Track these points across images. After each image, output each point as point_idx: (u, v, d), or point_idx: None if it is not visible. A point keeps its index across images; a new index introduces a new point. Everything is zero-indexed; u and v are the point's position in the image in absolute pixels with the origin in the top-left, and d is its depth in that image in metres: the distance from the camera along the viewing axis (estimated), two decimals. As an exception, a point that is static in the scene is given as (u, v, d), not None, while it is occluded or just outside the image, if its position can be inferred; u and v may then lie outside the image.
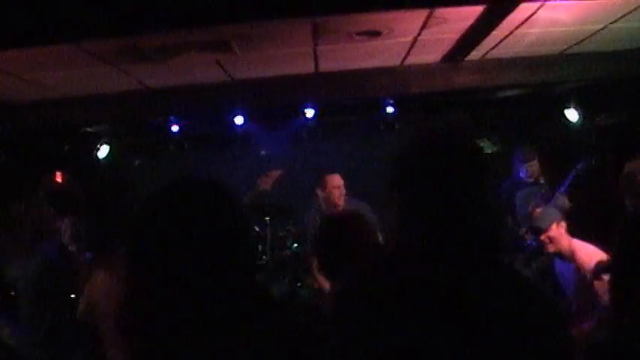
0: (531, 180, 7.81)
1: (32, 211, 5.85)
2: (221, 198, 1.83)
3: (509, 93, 8.67)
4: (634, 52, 7.26)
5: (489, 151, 10.09)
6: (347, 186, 7.19)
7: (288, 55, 6.40)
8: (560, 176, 7.51)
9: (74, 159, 9.02)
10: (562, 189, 7.20)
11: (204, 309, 1.65)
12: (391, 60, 7.09)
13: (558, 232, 5.34)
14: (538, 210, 5.65)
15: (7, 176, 7.91)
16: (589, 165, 7.13)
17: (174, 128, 8.90)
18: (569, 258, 5.32)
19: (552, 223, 5.36)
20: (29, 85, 6.56)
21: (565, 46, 6.99)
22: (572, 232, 6.62)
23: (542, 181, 7.80)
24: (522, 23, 5.79)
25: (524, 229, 7.65)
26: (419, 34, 6.02)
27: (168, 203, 1.78)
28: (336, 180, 7.12)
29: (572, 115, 8.86)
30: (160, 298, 1.65)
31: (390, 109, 8.89)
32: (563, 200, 7.20)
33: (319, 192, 7.17)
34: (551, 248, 5.39)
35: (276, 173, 7.44)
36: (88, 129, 8.73)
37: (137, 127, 9.32)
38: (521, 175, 7.86)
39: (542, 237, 5.42)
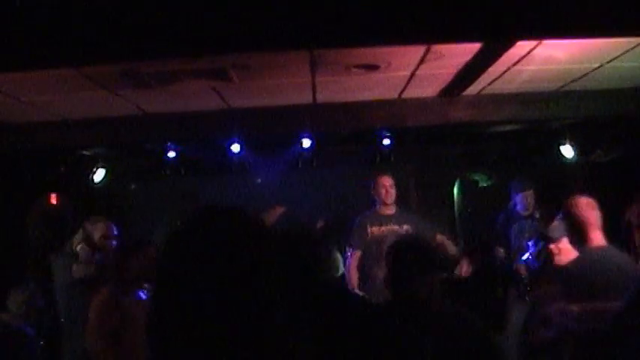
0: (526, 213, 7.82)
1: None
2: (253, 229, 1.75)
3: (505, 128, 8.71)
4: (629, 91, 7.31)
5: (484, 185, 10.13)
6: (341, 213, 7.39)
7: (285, 85, 6.44)
8: (555, 211, 7.53)
9: (70, 182, 9.02)
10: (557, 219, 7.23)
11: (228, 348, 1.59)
12: (389, 93, 7.13)
13: (567, 247, 5.36)
14: (555, 222, 5.69)
15: (2, 197, 7.92)
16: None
17: (171, 154, 8.90)
18: None
19: (565, 236, 5.39)
20: (27, 106, 6.58)
21: (561, 84, 7.04)
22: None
23: (537, 216, 7.81)
24: (519, 60, 5.84)
25: (517, 264, 7.68)
26: (416, 69, 6.06)
27: (197, 234, 1.70)
28: (386, 180, 7.47)
29: (567, 151, 8.89)
30: (182, 334, 1.60)
31: (386, 141, 8.91)
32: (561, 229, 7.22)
33: (372, 192, 7.58)
34: (557, 259, 5.45)
35: (279, 210, 7.49)
36: (85, 152, 8.74)
37: (134, 152, 9.33)
38: (518, 207, 7.87)
39: (552, 246, 5.51)
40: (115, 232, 6.27)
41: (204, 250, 1.64)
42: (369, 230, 7.32)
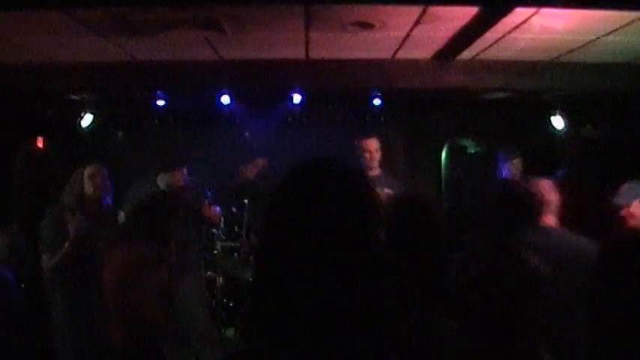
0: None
1: None
2: (360, 183, 1.70)
3: (496, 96, 8.68)
4: (624, 66, 7.30)
5: (472, 151, 10.12)
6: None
7: (279, 39, 6.37)
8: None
9: (57, 126, 8.95)
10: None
11: (334, 305, 1.54)
12: (382, 53, 7.08)
13: None
14: (624, 185, 5.53)
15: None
16: (568, 174, 7.16)
17: (160, 103, 8.83)
18: None
19: (636, 199, 5.33)
20: (16, 48, 6.49)
21: (556, 55, 7.01)
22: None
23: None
24: (515, 28, 5.80)
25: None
26: (411, 30, 6.01)
27: (306, 186, 1.66)
28: (371, 144, 7.50)
29: (557, 122, 8.88)
30: (289, 289, 1.56)
31: (377, 102, 8.87)
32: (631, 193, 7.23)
33: (356, 154, 7.54)
34: (631, 223, 5.28)
35: (260, 163, 7.42)
36: (73, 97, 8.66)
37: (122, 99, 9.24)
38: (504, 175, 7.87)
39: (624, 212, 5.35)
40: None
41: (315, 202, 1.60)
42: None
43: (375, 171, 7.44)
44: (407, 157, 9.98)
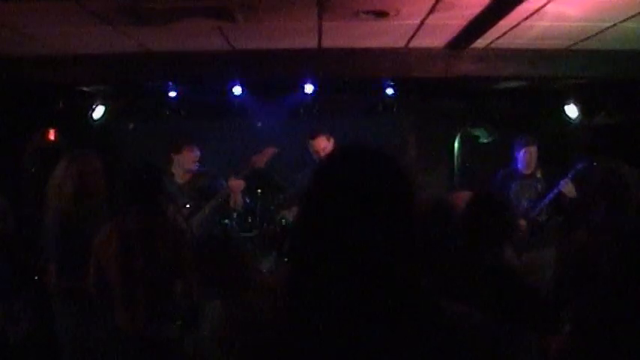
0: (527, 172, 7.77)
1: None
2: (400, 174, 1.66)
3: (510, 84, 8.63)
4: (639, 54, 7.22)
5: (485, 141, 10.08)
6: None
7: (291, 28, 6.33)
8: (556, 171, 7.50)
9: (68, 118, 8.95)
10: (568, 177, 7.21)
11: (370, 291, 1.52)
12: (395, 42, 7.02)
13: None
14: None
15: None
16: (590, 165, 7.09)
17: (172, 94, 8.83)
18: None
19: None
20: (28, 39, 6.47)
21: (571, 42, 6.95)
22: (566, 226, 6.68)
23: (538, 175, 7.76)
24: (530, 15, 5.74)
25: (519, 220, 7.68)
26: (426, 18, 5.96)
27: (346, 173, 1.61)
28: (322, 142, 7.52)
29: (571, 111, 8.84)
30: (328, 278, 1.54)
31: (389, 91, 8.84)
32: (569, 187, 7.21)
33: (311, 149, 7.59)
34: None
35: (270, 151, 7.40)
36: (84, 88, 8.65)
37: (134, 90, 9.24)
38: (519, 164, 7.80)
39: None
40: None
41: (356, 190, 1.56)
42: None
43: None
44: (419, 146, 9.94)
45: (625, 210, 4.16)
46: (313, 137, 7.52)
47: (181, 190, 7.22)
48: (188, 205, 7.02)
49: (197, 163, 7.36)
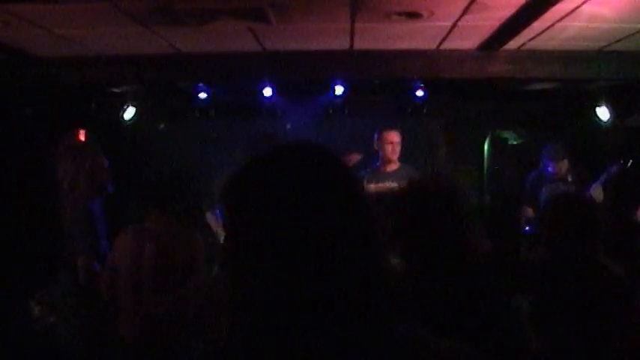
0: (559, 176, 7.73)
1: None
2: (340, 170, 1.50)
3: (541, 86, 8.58)
4: (673, 55, 7.16)
5: (514, 143, 10.03)
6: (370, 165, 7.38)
7: (323, 29, 6.34)
8: (587, 174, 7.45)
9: (99, 119, 9.00)
10: (599, 182, 7.17)
11: (316, 306, 1.36)
12: (427, 43, 7.01)
13: None
14: None
15: (32, 129, 7.89)
16: (622, 167, 7.06)
17: (202, 95, 8.85)
18: None
19: None
20: (60, 40, 6.52)
21: (604, 43, 6.89)
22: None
23: (569, 179, 7.71)
24: (565, 16, 5.70)
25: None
26: (459, 19, 5.94)
27: (275, 173, 1.45)
28: (393, 136, 7.49)
29: (603, 113, 8.76)
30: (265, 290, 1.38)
31: (419, 93, 8.81)
32: (598, 192, 7.17)
33: (375, 146, 7.57)
34: None
35: (355, 158, 7.39)
36: (115, 89, 8.70)
37: (164, 91, 9.28)
38: (549, 169, 7.77)
39: None
40: None
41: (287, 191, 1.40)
42: (366, 187, 7.17)
43: (395, 165, 7.44)
44: (449, 148, 9.91)
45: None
46: (388, 129, 7.51)
47: None
48: None
49: None
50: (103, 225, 5.89)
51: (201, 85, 8.60)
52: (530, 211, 7.91)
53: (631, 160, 7.14)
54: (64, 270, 5.40)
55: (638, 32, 6.33)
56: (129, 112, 8.98)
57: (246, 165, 1.51)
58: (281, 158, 1.50)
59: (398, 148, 7.41)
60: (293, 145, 1.56)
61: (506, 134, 10.17)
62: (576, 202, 3.99)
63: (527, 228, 7.83)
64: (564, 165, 7.69)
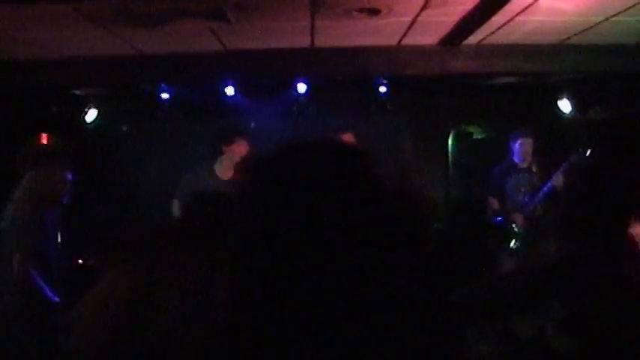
0: (524, 165, 7.81)
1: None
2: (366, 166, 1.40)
3: (503, 80, 8.62)
4: (632, 48, 7.23)
5: (479, 137, 10.08)
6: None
7: (284, 28, 6.32)
8: (551, 165, 7.51)
9: (61, 122, 8.91)
10: (560, 171, 7.24)
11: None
12: (388, 39, 7.02)
13: None
14: None
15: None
16: (583, 156, 7.13)
17: (165, 96, 8.78)
18: None
19: None
20: (20, 43, 6.46)
21: (564, 37, 6.94)
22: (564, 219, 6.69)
23: (534, 169, 7.80)
24: (523, 10, 5.74)
25: (515, 215, 7.72)
26: (418, 15, 5.95)
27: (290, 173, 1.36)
28: (349, 138, 7.29)
29: (565, 106, 8.84)
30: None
31: (382, 89, 8.80)
32: (561, 181, 7.25)
33: None
34: None
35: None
36: (77, 92, 8.62)
37: (127, 93, 9.21)
38: (515, 157, 7.85)
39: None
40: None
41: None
42: None
43: None
44: (414, 144, 9.93)
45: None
46: (342, 133, 7.36)
47: (223, 187, 6.69)
48: None
49: None
50: (53, 234, 6.03)
51: (163, 85, 8.54)
52: (496, 203, 7.99)
53: (590, 150, 7.21)
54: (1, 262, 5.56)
55: (596, 25, 6.38)
56: (91, 115, 8.90)
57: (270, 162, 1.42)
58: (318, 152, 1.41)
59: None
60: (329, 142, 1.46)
61: (471, 129, 10.21)
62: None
63: (499, 218, 7.89)
64: (529, 145, 7.78)
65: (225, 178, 7.06)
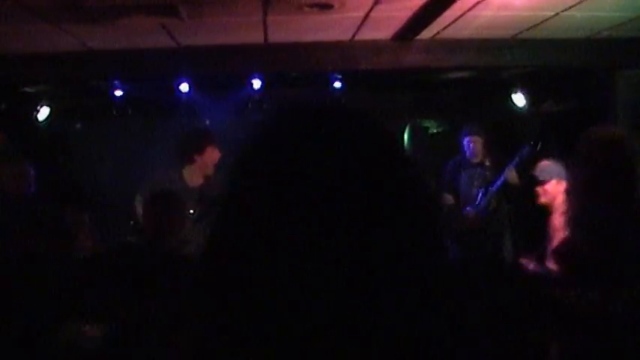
0: (476, 160, 7.85)
1: None
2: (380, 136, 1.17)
3: (457, 75, 8.66)
4: (583, 42, 7.30)
5: (434, 131, 10.13)
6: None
7: (236, 23, 6.27)
8: (504, 159, 7.57)
9: (12, 120, 8.79)
10: (511, 165, 7.31)
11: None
12: (341, 35, 7.00)
13: (557, 189, 5.60)
14: (545, 162, 5.92)
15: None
16: (534, 150, 7.20)
17: (118, 93, 8.71)
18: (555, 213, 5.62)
19: (553, 178, 5.68)
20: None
21: (516, 31, 6.99)
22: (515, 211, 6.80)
23: (487, 163, 7.84)
24: (475, 5, 5.75)
25: (468, 209, 7.76)
26: (371, 10, 5.94)
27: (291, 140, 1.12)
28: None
29: (519, 100, 8.91)
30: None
31: (337, 85, 8.83)
32: (512, 174, 7.31)
33: None
34: (542, 199, 5.79)
35: None
36: (28, 89, 8.50)
37: (79, 90, 9.11)
38: (467, 153, 7.89)
39: (538, 187, 5.79)
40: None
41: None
42: None
43: None
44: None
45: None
46: None
47: (191, 195, 6.60)
48: (192, 211, 6.50)
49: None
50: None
51: (116, 82, 8.46)
52: (449, 198, 8.01)
53: (540, 143, 7.28)
54: None
55: (547, 20, 6.43)
56: (43, 113, 8.80)
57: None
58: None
59: None
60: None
61: (426, 123, 10.26)
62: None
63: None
64: (480, 141, 7.83)
65: (193, 185, 6.90)
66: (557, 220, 5.33)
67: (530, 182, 5.94)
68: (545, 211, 5.85)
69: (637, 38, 7.00)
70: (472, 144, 7.85)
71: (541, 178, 5.77)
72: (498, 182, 7.55)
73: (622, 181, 3.64)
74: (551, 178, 5.70)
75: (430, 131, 10.25)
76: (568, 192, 4.11)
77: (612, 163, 3.67)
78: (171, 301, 3.40)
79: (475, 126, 7.94)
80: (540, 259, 5.29)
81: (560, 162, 5.69)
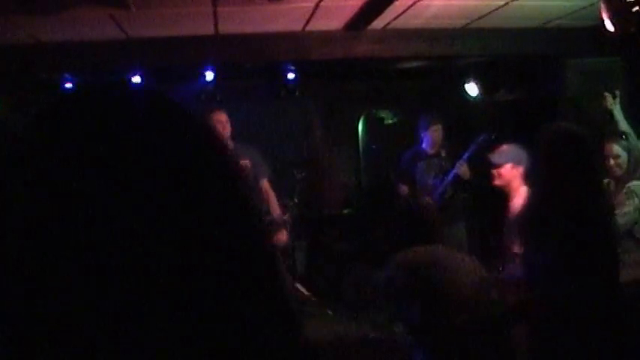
0: (433, 151, 7.84)
1: None
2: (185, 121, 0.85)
3: (409, 64, 8.67)
4: (534, 31, 7.36)
5: (389, 122, 10.14)
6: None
7: (186, 14, 6.21)
8: (460, 149, 7.59)
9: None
10: (463, 159, 7.33)
11: None
12: (293, 25, 6.97)
13: (512, 174, 5.74)
14: (504, 146, 5.99)
15: None
16: (489, 139, 7.22)
17: (68, 86, 8.58)
18: (508, 197, 5.81)
19: (508, 163, 5.76)
20: None
21: (467, 21, 7.02)
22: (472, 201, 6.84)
23: (443, 154, 7.84)
24: (425, -6, 5.77)
25: (425, 199, 7.74)
26: (321, 0, 5.92)
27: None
28: (221, 115, 7.22)
29: (471, 89, 8.95)
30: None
31: (290, 75, 8.80)
32: (464, 169, 7.34)
33: None
34: (496, 182, 5.87)
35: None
36: (-26, 83, 8.36)
37: (29, 83, 8.95)
38: (424, 144, 7.88)
39: (493, 170, 5.87)
40: None
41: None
42: None
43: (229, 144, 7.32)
44: (324, 129, 9.94)
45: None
46: (213, 110, 7.30)
47: None
48: None
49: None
50: None
51: (66, 75, 8.32)
52: (405, 189, 7.99)
53: (495, 133, 7.32)
54: None
55: (499, 9, 6.47)
56: (-8, 107, 8.65)
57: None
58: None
59: (228, 127, 7.25)
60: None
61: (382, 113, 10.27)
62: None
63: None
64: (439, 131, 7.82)
65: None
66: (516, 205, 5.44)
67: (487, 165, 5.99)
68: (500, 199, 5.91)
69: (587, 27, 7.05)
70: (435, 133, 7.82)
71: (496, 162, 5.83)
72: (451, 174, 7.56)
73: (584, 176, 3.78)
74: (506, 162, 5.77)
75: (385, 122, 10.25)
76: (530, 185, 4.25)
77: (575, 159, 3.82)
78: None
79: (433, 116, 7.92)
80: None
81: (518, 146, 5.76)
